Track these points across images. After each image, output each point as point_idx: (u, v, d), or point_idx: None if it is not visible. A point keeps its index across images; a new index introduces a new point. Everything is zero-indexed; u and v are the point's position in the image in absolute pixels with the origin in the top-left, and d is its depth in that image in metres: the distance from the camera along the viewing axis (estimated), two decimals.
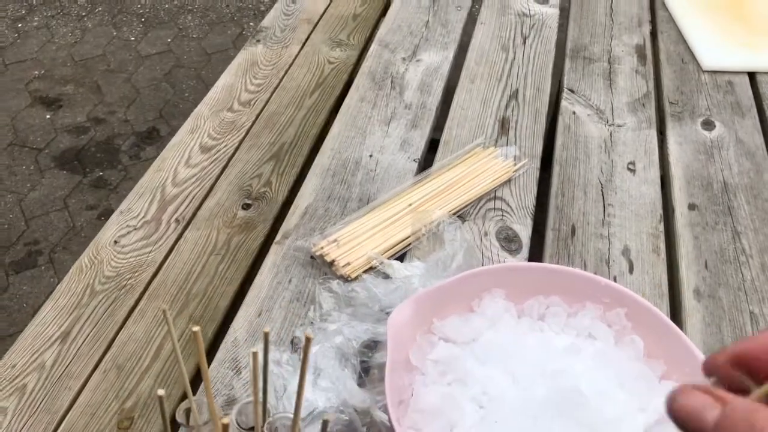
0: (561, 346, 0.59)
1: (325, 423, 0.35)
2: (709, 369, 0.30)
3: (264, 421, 0.43)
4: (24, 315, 1.60)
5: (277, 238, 0.85)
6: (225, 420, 0.34)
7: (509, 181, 0.92)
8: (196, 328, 0.38)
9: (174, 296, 0.80)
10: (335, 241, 0.81)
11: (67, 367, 0.72)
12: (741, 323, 0.76)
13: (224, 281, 0.82)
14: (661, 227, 0.87)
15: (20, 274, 1.69)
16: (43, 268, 1.70)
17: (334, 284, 0.71)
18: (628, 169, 0.95)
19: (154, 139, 2.06)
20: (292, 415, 0.42)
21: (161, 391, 0.35)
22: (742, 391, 0.28)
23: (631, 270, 0.81)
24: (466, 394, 0.56)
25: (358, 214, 0.85)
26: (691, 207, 0.90)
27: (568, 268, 0.63)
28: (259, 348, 0.68)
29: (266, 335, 0.38)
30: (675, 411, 0.27)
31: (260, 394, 0.43)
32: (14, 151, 2.00)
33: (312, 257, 0.81)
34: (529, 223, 0.87)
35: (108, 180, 1.93)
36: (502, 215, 0.88)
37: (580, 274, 0.62)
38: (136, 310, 0.78)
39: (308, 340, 0.38)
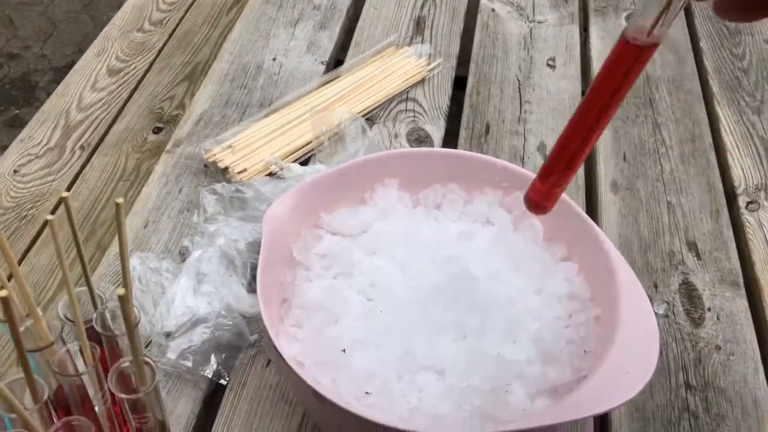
0: (455, 232, 0.55)
1: (121, 297, 0.30)
2: None
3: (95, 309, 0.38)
4: None
5: (168, 147, 0.79)
6: (3, 293, 0.29)
7: (422, 81, 0.86)
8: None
9: (80, 224, 0.73)
10: (230, 146, 0.75)
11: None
12: (658, 213, 0.72)
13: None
14: None
15: None
16: None
17: (219, 186, 0.65)
18: (548, 65, 0.90)
19: None
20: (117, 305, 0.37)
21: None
22: None
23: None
24: (352, 286, 0.52)
25: (255, 118, 0.79)
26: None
27: (464, 151, 0.58)
28: (136, 258, 0.63)
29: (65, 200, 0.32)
30: None
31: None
32: None
33: (205, 165, 0.75)
34: (443, 124, 0.82)
35: (24, 119, 1.81)
36: (414, 116, 0.82)
37: (477, 158, 0.57)
38: (39, 240, 0.72)
39: (118, 205, 0.32)
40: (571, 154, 0.41)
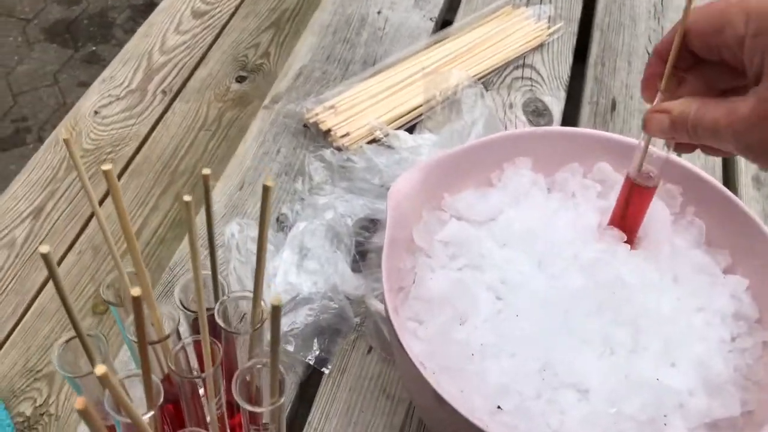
0: (597, 225, 0.48)
1: (276, 308, 0.24)
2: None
3: (216, 300, 0.33)
4: None
5: (266, 102, 0.73)
6: (135, 291, 0.24)
7: (541, 46, 0.78)
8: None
9: (159, 173, 0.70)
10: (333, 107, 0.69)
11: (40, 244, 0.62)
12: None
13: (215, 159, 0.71)
14: None
15: (7, 152, 1.59)
16: (31, 146, 1.60)
17: (327, 153, 0.59)
18: None
19: (151, 12, 1.91)
20: (251, 294, 0.32)
21: (44, 248, 0.24)
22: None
23: (679, 153, 0.68)
24: (481, 281, 0.46)
25: (360, 77, 0.73)
26: None
27: (614, 134, 0.51)
28: (235, 225, 0.58)
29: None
30: (648, 130, 0.39)
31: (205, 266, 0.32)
32: (0, 21, 1.86)
33: (305, 125, 0.70)
34: (563, 95, 0.74)
35: (101, 55, 1.79)
36: (532, 85, 0.74)
37: (629, 143, 0.50)
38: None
39: (266, 189, 0.27)
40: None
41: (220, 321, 0.32)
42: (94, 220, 0.66)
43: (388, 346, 0.54)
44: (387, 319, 0.41)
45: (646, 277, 0.44)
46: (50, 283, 0.60)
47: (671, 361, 0.42)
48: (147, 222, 0.66)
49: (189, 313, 0.33)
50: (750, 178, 0.67)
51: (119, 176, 0.70)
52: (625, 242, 0.47)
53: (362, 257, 0.56)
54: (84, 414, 0.20)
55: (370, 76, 0.73)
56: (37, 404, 0.52)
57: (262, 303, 0.32)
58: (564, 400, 0.41)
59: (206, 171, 0.28)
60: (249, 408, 0.30)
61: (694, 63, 0.39)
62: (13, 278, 0.60)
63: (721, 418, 0.40)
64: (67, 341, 0.31)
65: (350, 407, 0.52)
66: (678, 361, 0.41)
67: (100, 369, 0.21)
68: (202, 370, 0.33)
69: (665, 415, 0.39)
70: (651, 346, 0.42)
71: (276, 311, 0.24)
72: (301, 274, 0.52)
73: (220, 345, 0.31)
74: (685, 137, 0.37)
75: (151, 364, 0.33)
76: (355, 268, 0.56)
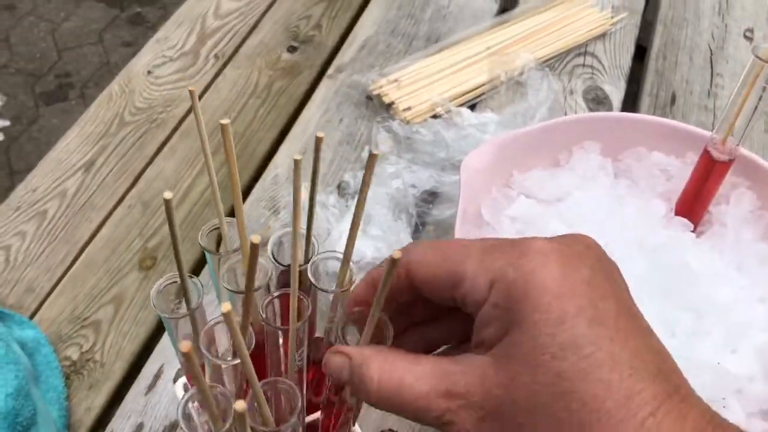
0: (663, 212, 0.49)
1: (393, 261, 0.25)
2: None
3: (306, 257, 0.34)
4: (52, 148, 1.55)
5: (330, 71, 0.74)
6: (255, 239, 0.25)
7: (604, 35, 0.79)
8: (225, 121, 0.28)
9: (209, 135, 0.70)
10: (396, 80, 0.70)
11: (90, 197, 0.64)
12: None
13: (264, 126, 0.73)
14: None
15: (50, 106, 1.62)
16: (73, 102, 1.62)
17: (395, 124, 0.61)
18: (745, 36, 0.81)
19: None
20: (341, 255, 0.33)
21: (168, 194, 0.25)
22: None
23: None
24: None
25: (425, 53, 0.74)
26: None
27: (684, 124, 0.51)
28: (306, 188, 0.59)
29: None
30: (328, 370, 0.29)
31: (302, 225, 0.33)
32: None
33: (368, 97, 0.71)
34: (623, 85, 0.75)
35: (146, 17, 1.81)
36: (593, 73, 0.75)
37: (700, 133, 0.50)
38: (167, 146, 0.70)
39: (373, 156, 0.28)
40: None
41: (311, 278, 0.33)
42: (143, 176, 0.67)
43: None
44: None
45: (710, 264, 0.45)
46: (99, 235, 0.62)
47: (732, 347, 0.43)
48: (195, 183, 0.67)
49: (279, 266, 0.35)
50: None
51: (169, 136, 0.71)
52: (692, 231, 0.48)
53: (422, 227, 0.57)
54: (187, 356, 0.22)
55: (434, 52, 0.74)
56: (83, 350, 0.54)
57: (350, 265, 0.33)
58: None
59: (320, 134, 0.29)
60: (319, 287, 0.31)
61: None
62: (63, 227, 0.62)
63: None
64: (165, 285, 0.33)
65: None
66: (739, 348, 0.42)
67: (226, 307, 0.22)
68: (284, 323, 0.34)
69: (724, 398, 0.41)
70: (712, 332, 0.43)
71: (393, 263, 0.25)
72: (364, 239, 0.53)
73: (308, 301, 0.33)
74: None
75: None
76: (416, 238, 0.57)
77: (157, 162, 0.69)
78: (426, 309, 0.30)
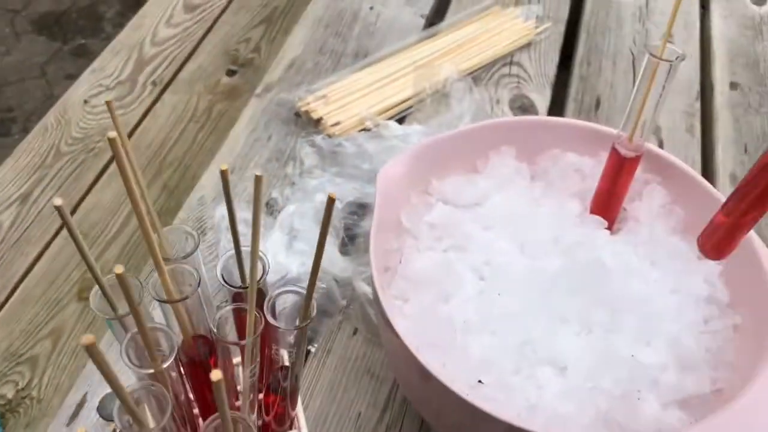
0: (577, 211, 0.50)
1: (330, 200, 0.26)
2: None
3: (262, 276, 0.34)
4: None
5: (258, 90, 0.75)
6: (118, 269, 0.24)
7: (529, 45, 0.80)
8: (112, 134, 0.28)
9: (147, 163, 0.70)
10: (324, 96, 0.71)
11: (25, 231, 0.63)
12: None
13: (203, 150, 0.72)
14: (698, 105, 0.76)
15: None
16: (16, 137, 1.59)
17: (318, 138, 0.61)
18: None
19: (141, 6, 1.91)
20: (299, 289, 0.33)
21: (57, 200, 0.25)
22: None
23: (660, 148, 0.70)
24: (465, 262, 0.47)
25: (352, 68, 0.74)
26: (733, 86, 0.78)
27: (595, 124, 0.52)
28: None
29: (224, 173, 0.28)
30: None
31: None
32: None
33: (296, 114, 0.71)
34: (548, 93, 0.76)
35: (90, 48, 1.79)
36: (518, 82, 0.76)
37: (611, 133, 0.51)
38: (105, 175, 0.69)
39: (258, 178, 0.28)
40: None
41: (268, 315, 0.33)
42: (81, 207, 0.66)
43: (373, 328, 0.55)
44: (374, 297, 0.43)
45: (624, 259, 0.46)
46: (36, 268, 0.61)
47: (646, 340, 0.43)
48: (133, 213, 0.66)
49: (230, 288, 0.35)
50: (728, 176, 0.69)
51: (107, 165, 0.70)
52: (606, 228, 0.48)
53: (351, 241, 0.57)
54: (90, 350, 0.21)
55: (362, 68, 0.74)
56: (19, 387, 0.53)
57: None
58: (542, 376, 0.42)
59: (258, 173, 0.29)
60: (278, 326, 0.31)
61: None
62: None
63: (692, 395, 0.42)
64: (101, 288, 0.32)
65: (334, 386, 0.53)
66: (653, 340, 0.43)
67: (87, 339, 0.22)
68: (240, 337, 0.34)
69: (639, 390, 0.41)
70: (627, 326, 0.43)
71: (330, 202, 0.26)
72: (290, 254, 0.53)
73: (262, 317, 0.33)
74: None
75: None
76: (344, 251, 0.57)
77: (95, 192, 0.68)
78: None
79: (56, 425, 0.50)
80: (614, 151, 0.47)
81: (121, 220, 0.65)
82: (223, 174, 0.29)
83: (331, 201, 0.27)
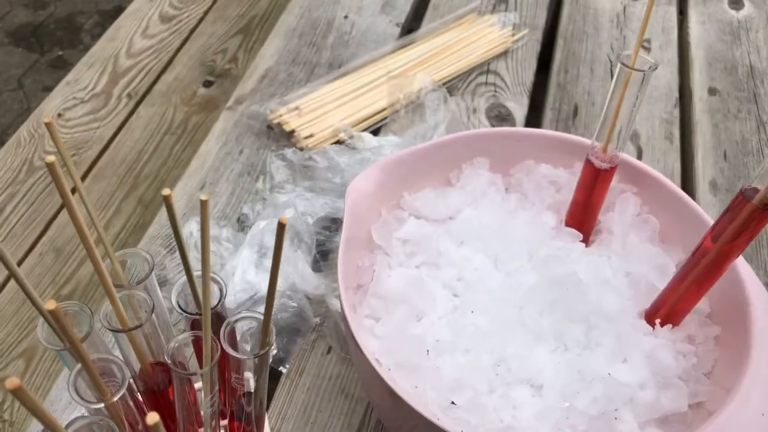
0: (553, 224, 0.49)
1: (280, 225, 0.25)
2: None
3: (219, 301, 0.33)
4: None
5: (229, 103, 0.73)
6: (51, 306, 0.23)
7: (506, 53, 0.79)
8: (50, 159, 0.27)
9: (122, 177, 0.69)
10: (297, 108, 0.69)
11: None
12: None
13: (180, 163, 0.71)
14: (677, 112, 0.75)
15: None
16: None
17: (289, 152, 0.59)
18: (643, 47, 0.83)
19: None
20: (257, 316, 0.32)
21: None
22: None
23: (639, 157, 0.70)
24: (438, 278, 0.46)
25: (326, 79, 0.73)
26: (712, 92, 0.78)
27: (570, 135, 0.51)
28: (194, 224, 0.57)
29: (204, 203, 0.27)
30: None
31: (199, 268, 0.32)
32: None
33: (269, 126, 0.70)
34: (526, 101, 0.75)
35: (68, 60, 1.77)
36: (495, 91, 0.75)
37: (582, 142, 0.50)
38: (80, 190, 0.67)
39: (204, 202, 0.26)
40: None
41: (224, 344, 0.32)
42: (55, 223, 0.65)
43: (347, 347, 0.54)
44: (343, 318, 0.41)
45: (599, 273, 0.45)
46: (8, 287, 0.59)
47: (623, 356, 0.42)
48: (109, 225, 0.65)
49: (187, 315, 0.33)
50: (707, 184, 0.68)
51: (83, 178, 0.69)
52: (581, 241, 0.47)
53: (324, 257, 0.56)
54: (16, 393, 0.20)
55: (336, 78, 0.73)
56: None
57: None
58: (517, 396, 0.41)
59: (203, 197, 0.27)
60: (235, 354, 0.30)
61: None
62: None
63: (670, 412, 0.41)
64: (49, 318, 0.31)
65: (308, 408, 0.51)
66: (630, 357, 0.42)
67: (11, 382, 0.20)
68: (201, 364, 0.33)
69: (616, 409, 0.40)
70: (603, 342, 0.42)
71: (281, 228, 0.24)
72: (260, 272, 0.52)
73: (219, 344, 0.31)
74: None
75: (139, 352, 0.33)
76: (316, 267, 0.56)
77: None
78: None
79: None
80: (588, 163, 0.46)
81: (96, 235, 0.63)
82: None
83: (281, 226, 0.25)
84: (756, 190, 0.36)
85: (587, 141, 0.50)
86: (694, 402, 0.41)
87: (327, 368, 0.53)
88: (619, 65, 0.41)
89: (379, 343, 0.43)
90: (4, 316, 0.56)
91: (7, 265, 0.26)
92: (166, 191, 0.27)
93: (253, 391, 0.35)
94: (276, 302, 0.50)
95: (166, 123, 0.75)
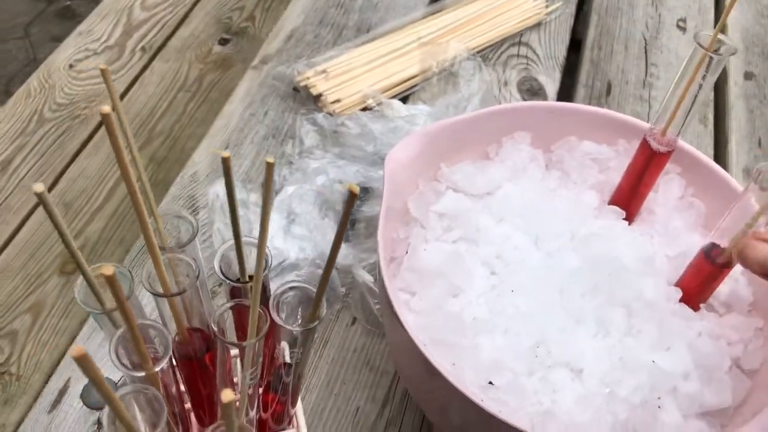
0: (596, 204, 0.47)
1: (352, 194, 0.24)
2: None
3: (265, 269, 0.31)
4: None
5: (254, 62, 0.71)
6: (107, 271, 0.21)
7: (538, 25, 0.77)
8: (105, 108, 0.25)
9: (135, 132, 0.67)
10: (324, 71, 0.67)
11: (6, 199, 0.60)
12: None
13: (193, 121, 0.69)
14: (712, 95, 0.73)
15: None
16: None
17: (320, 117, 0.57)
18: (678, 26, 0.80)
19: None
20: (307, 287, 0.30)
21: (38, 186, 0.22)
22: None
23: None
24: (476, 255, 0.45)
25: (354, 43, 0.71)
26: (748, 76, 0.76)
27: (618, 113, 0.49)
28: (219, 186, 0.56)
29: (225, 160, 0.25)
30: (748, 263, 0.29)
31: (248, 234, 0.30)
32: None
33: (295, 89, 0.67)
34: (557, 76, 0.73)
35: (76, 10, 1.73)
36: (527, 63, 0.73)
37: (631, 122, 0.49)
38: (90, 143, 0.66)
39: (269, 165, 0.25)
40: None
41: (274, 314, 0.30)
42: (65, 176, 0.63)
43: (373, 319, 0.53)
44: (381, 286, 0.40)
45: (641, 251, 0.43)
46: (16, 239, 0.58)
47: (666, 345, 0.41)
48: (121, 181, 0.63)
49: (228, 281, 0.32)
50: (740, 170, 0.67)
51: (93, 133, 0.67)
52: (624, 219, 0.46)
53: (351, 226, 0.54)
54: (80, 360, 0.18)
55: (364, 43, 0.71)
56: None
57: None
58: (557, 379, 0.40)
59: (269, 159, 0.26)
60: (286, 326, 0.29)
61: None
62: None
63: (713, 405, 0.40)
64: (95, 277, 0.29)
65: (332, 379, 0.50)
66: (673, 346, 0.41)
67: (77, 350, 0.19)
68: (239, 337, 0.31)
69: (659, 398, 0.39)
70: (645, 329, 0.41)
71: (352, 197, 0.23)
72: (288, 239, 0.50)
73: (267, 315, 0.30)
74: None
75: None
76: (344, 237, 0.54)
77: (80, 160, 0.64)
78: None
79: (38, 411, 0.47)
80: (645, 144, 0.44)
81: (107, 189, 0.62)
82: (225, 162, 0.26)
83: (353, 195, 0.24)
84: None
85: (636, 120, 0.49)
86: (738, 398, 0.40)
87: (351, 340, 0.52)
88: (694, 46, 0.39)
89: (414, 318, 0.42)
90: (12, 270, 0.55)
91: (55, 223, 0.24)
92: (225, 153, 0.26)
93: (295, 362, 0.34)
94: (304, 270, 0.49)
95: (181, 80, 0.73)
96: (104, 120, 0.25)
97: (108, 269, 0.21)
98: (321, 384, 0.50)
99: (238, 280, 0.33)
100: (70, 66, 0.74)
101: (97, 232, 0.59)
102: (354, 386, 0.50)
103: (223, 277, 0.31)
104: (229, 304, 0.30)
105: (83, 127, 0.67)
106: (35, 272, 0.56)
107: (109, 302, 0.29)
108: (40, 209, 0.60)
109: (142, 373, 0.28)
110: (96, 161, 0.64)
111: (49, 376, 0.50)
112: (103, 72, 0.24)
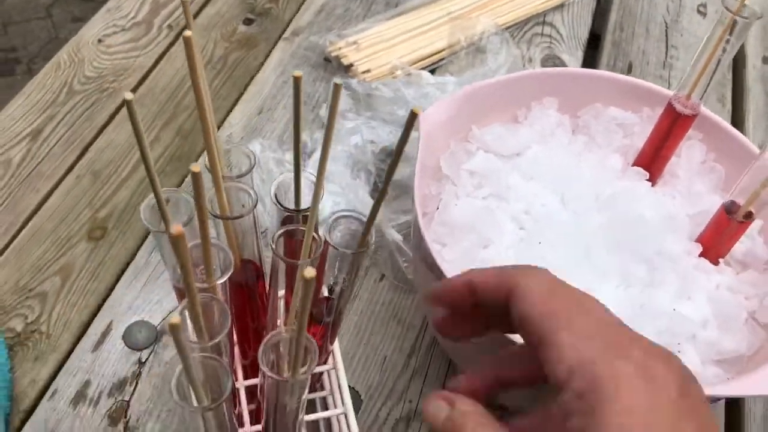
0: (619, 167, 0.49)
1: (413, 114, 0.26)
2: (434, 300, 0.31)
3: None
4: None
5: (286, 34, 0.73)
6: (195, 168, 0.24)
7: (562, 6, 0.79)
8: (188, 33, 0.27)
9: (162, 106, 0.69)
10: (355, 43, 0.69)
11: (36, 166, 0.62)
12: None
13: (218, 97, 0.71)
14: (729, 76, 0.75)
15: None
16: (20, 77, 1.57)
17: (353, 82, 0.59)
18: (699, 11, 0.82)
19: None
20: (359, 216, 0.33)
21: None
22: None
23: None
24: (505, 210, 0.47)
25: (384, 16, 0.73)
26: (766, 60, 0.78)
27: (643, 81, 0.51)
28: (257, 144, 0.58)
29: (297, 79, 0.27)
30: (424, 416, 0.28)
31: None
32: None
33: (326, 59, 0.70)
34: (580, 55, 0.75)
35: None
36: (551, 42, 0.75)
37: (656, 89, 0.51)
38: (118, 115, 0.68)
39: (337, 86, 0.27)
40: None
41: (327, 236, 0.32)
42: (93, 146, 0.64)
43: (401, 275, 0.55)
44: (416, 232, 0.42)
45: (663, 209, 0.45)
46: (46, 204, 0.59)
47: (686, 295, 0.43)
48: None
49: (282, 209, 0.34)
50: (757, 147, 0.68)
51: (121, 106, 0.69)
52: (647, 180, 0.48)
53: (381, 186, 0.56)
54: (175, 239, 0.21)
55: (394, 16, 0.73)
56: (29, 321, 0.52)
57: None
58: None
59: (297, 73, 0.28)
60: (339, 248, 0.31)
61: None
62: (8, 197, 0.59)
63: (729, 352, 0.42)
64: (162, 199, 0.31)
65: (361, 330, 0.52)
66: (693, 296, 0.43)
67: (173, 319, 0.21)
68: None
69: (679, 343, 0.41)
70: (666, 281, 0.43)
71: (412, 117, 0.25)
72: (323, 194, 0.52)
73: (321, 240, 0.32)
74: None
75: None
76: (375, 196, 0.56)
77: (108, 132, 0.66)
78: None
79: (81, 351, 0.50)
80: (670, 107, 0.46)
81: (134, 162, 0.64)
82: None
83: (413, 115, 0.26)
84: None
85: (660, 88, 0.51)
86: (751, 351, 0.42)
87: (380, 294, 0.54)
88: (722, 10, 0.41)
89: (446, 266, 0.44)
90: (43, 233, 0.57)
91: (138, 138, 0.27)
92: (298, 73, 0.27)
93: (339, 292, 0.36)
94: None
95: (206, 57, 0.75)
96: (186, 44, 0.27)
97: (196, 167, 0.23)
98: (350, 334, 0.52)
99: (294, 210, 0.34)
100: (99, 41, 0.76)
101: (124, 201, 0.61)
102: (382, 337, 0.52)
103: (279, 205, 0.34)
104: (288, 227, 0.32)
105: (111, 100, 0.69)
106: (65, 237, 0.58)
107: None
108: (70, 177, 0.62)
109: (206, 285, 0.30)
110: (123, 134, 0.66)
111: (77, 335, 0.51)
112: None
